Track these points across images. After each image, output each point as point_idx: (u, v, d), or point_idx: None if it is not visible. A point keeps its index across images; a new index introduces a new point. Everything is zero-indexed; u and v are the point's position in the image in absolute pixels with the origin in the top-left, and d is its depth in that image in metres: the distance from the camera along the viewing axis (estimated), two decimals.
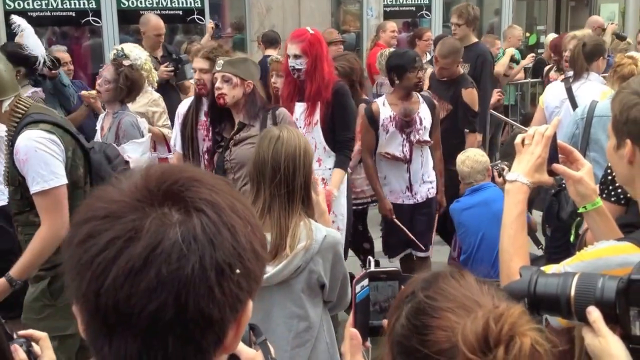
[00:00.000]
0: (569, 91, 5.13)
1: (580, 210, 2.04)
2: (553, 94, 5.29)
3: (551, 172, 2.00)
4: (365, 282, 1.60)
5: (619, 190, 3.19)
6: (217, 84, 4.17)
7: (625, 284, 1.40)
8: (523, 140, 2.00)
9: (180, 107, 4.92)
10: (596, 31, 8.84)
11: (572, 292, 1.46)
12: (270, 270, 2.81)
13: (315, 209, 2.97)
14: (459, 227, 4.81)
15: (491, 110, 7.42)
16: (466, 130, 5.87)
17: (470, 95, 5.88)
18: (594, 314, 1.41)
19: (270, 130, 3.01)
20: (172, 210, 0.94)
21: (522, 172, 1.97)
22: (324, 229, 2.90)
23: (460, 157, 4.88)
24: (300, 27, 9.82)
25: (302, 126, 4.58)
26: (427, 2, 12.45)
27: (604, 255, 1.74)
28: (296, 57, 4.52)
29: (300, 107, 4.65)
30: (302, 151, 2.86)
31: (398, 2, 12.20)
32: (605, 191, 3.20)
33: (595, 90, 4.93)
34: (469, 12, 7.07)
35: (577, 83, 5.14)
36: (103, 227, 0.93)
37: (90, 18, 9.50)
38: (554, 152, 2.00)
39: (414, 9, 12.40)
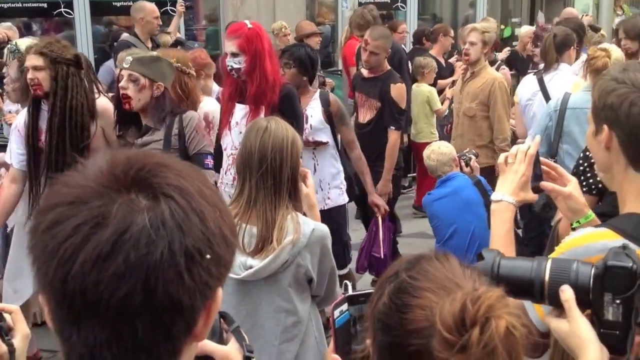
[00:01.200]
0: (541, 82, 5.17)
1: (574, 225, 2.04)
2: (526, 87, 5.34)
3: (536, 190, 2.01)
4: (345, 306, 1.56)
5: (591, 181, 3.20)
6: (122, 83, 3.78)
7: (602, 269, 1.41)
8: (506, 159, 2.01)
9: (19, 117, 4.26)
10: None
11: (547, 277, 1.47)
12: (257, 264, 2.77)
13: (304, 202, 2.93)
14: (431, 218, 4.81)
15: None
16: (391, 128, 5.45)
17: (398, 90, 5.48)
18: (566, 292, 1.43)
19: (257, 121, 2.97)
20: (140, 196, 0.94)
21: (507, 192, 1.98)
22: (311, 223, 2.86)
23: (426, 152, 4.89)
24: (275, 19, 9.89)
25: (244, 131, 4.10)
26: None
27: (584, 242, 1.74)
28: (234, 55, 4.04)
29: (241, 110, 4.19)
30: (289, 143, 2.82)
31: None
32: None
33: (567, 82, 4.96)
34: (365, 19, 6.83)
35: (549, 75, 5.18)
36: (70, 212, 0.92)
37: (62, 9, 9.39)
38: (538, 170, 2.02)
39: (389, 1, 12.38)
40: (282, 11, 10.70)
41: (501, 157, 2.04)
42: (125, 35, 6.89)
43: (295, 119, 4.04)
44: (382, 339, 1.27)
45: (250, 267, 2.78)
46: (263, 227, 2.77)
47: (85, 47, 9.32)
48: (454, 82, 7.35)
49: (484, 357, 1.14)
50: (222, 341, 1.38)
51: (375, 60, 5.48)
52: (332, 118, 4.71)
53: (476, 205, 4.54)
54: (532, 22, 13.36)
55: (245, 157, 2.83)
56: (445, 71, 8.28)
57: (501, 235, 1.98)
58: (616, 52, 4.36)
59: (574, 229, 1.98)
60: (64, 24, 9.73)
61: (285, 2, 10.95)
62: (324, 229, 2.92)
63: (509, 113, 5.72)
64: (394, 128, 5.46)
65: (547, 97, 5.03)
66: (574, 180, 2.06)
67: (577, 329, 1.42)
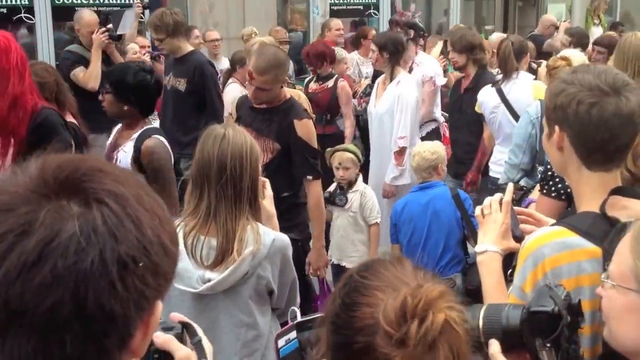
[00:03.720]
0: (500, 93, 5.22)
1: None
2: (487, 99, 5.36)
3: (518, 239, 2.00)
4: (293, 334, 1.56)
5: (560, 186, 3.14)
6: None
7: (526, 315, 1.46)
8: (482, 211, 2.05)
9: None
10: (549, 29, 8.82)
11: (480, 323, 1.51)
12: (216, 276, 2.69)
13: (263, 212, 2.84)
14: (393, 216, 4.78)
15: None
16: (308, 177, 4.13)
17: (306, 128, 4.13)
18: (492, 346, 1.47)
19: (213, 128, 2.82)
20: (70, 202, 0.90)
21: (490, 242, 1.99)
22: (272, 233, 2.80)
23: (413, 150, 4.91)
24: (245, 25, 9.71)
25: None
26: (375, 0, 12.32)
27: (543, 243, 1.78)
28: None
29: None
30: (248, 150, 2.73)
31: (345, 1, 12.05)
32: (546, 187, 3.17)
33: (526, 87, 5.13)
34: (165, 22, 5.53)
35: (508, 84, 5.24)
36: None
37: (22, 15, 9.09)
38: (515, 218, 2.04)
39: (361, 7, 12.27)
40: (252, 17, 10.50)
41: (477, 210, 2.07)
42: (72, 46, 6.53)
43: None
44: (332, 339, 1.30)
45: (209, 281, 2.71)
46: (223, 239, 2.68)
47: (46, 53, 9.05)
48: None
49: (425, 352, 1.17)
50: None
51: (266, 96, 4.13)
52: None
53: (443, 218, 4.55)
54: (505, 29, 13.31)
55: (202, 167, 2.71)
56: None
57: (493, 286, 1.98)
58: (578, 59, 4.32)
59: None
60: (25, 30, 9.40)
61: (256, 8, 10.76)
62: (285, 239, 2.85)
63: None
64: (311, 177, 4.13)
65: (509, 108, 5.11)
66: (551, 222, 2.04)
67: None
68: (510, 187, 2.13)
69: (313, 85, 6.74)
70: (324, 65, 6.61)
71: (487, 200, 2.07)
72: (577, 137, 1.79)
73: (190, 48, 5.87)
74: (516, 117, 4.87)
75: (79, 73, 6.06)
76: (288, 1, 12.22)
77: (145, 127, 3.74)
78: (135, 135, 3.67)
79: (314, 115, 6.06)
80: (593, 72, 1.78)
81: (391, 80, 5.73)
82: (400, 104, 5.58)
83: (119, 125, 3.89)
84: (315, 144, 4.21)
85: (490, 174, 5.28)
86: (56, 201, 0.90)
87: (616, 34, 8.21)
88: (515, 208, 2.09)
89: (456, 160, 5.76)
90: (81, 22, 6.37)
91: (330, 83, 6.62)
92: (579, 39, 7.26)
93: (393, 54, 5.70)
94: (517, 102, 5.11)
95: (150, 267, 0.94)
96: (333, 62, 6.77)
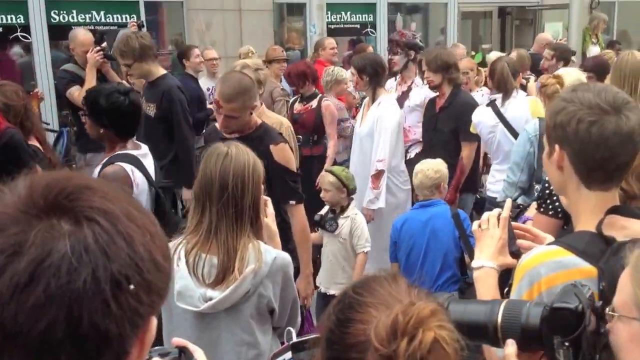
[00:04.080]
0: (499, 114, 5.25)
1: None
2: (484, 119, 5.38)
3: (514, 254, 2.01)
4: (288, 354, 1.60)
5: (557, 204, 3.14)
6: None
7: (548, 312, 1.44)
8: (480, 226, 2.05)
9: None
10: (545, 47, 8.84)
11: (499, 319, 1.50)
12: (217, 295, 2.67)
13: (265, 231, 2.85)
14: (393, 234, 4.75)
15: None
16: (291, 202, 3.98)
17: (283, 152, 3.95)
18: (508, 347, 1.48)
19: (217, 147, 2.83)
20: (61, 221, 0.89)
21: (486, 257, 1.99)
22: (273, 251, 2.79)
23: (417, 167, 4.83)
24: (242, 44, 9.71)
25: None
26: (372, 19, 12.37)
27: (539, 262, 1.78)
28: None
29: None
30: (251, 169, 2.73)
31: (342, 19, 12.09)
32: (543, 205, 3.17)
33: (523, 104, 5.19)
34: (131, 47, 5.28)
35: (504, 103, 5.30)
36: None
37: (18, 34, 9.09)
38: (511, 233, 2.03)
39: (358, 26, 12.30)
40: (249, 36, 10.53)
41: (474, 225, 2.08)
42: (67, 65, 6.51)
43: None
44: (326, 355, 1.30)
45: (210, 299, 2.69)
46: (224, 257, 2.67)
47: (44, 72, 9.05)
48: None
49: None
50: None
51: (235, 124, 3.94)
52: None
53: (441, 236, 4.52)
54: (502, 48, 13.33)
55: (205, 184, 2.71)
56: None
57: None
58: (570, 78, 4.31)
59: None
60: (22, 48, 9.40)
61: (253, 26, 10.78)
62: (286, 257, 2.84)
63: None
64: (294, 202, 3.99)
65: (507, 126, 5.15)
66: (549, 238, 2.07)
67: None
68: (508, 202, 2.12)
69: (297, 106, 6.64)
70: (306, 85, 6.52)
71: (485, 215, 2.07)
72: (577, 156, 1.79)
73: (162, 72, 5.61)
74: (515, 135, 4.89)
75: (74, 92, 6.03)
76: (285, 20, 12.24)
77: (118, 152, 3.67)
78: (105, 160, 3.68)
79: (301, 137, 6.23)
80: (593, 91, 1.78)
81: (373, 102, 5.68)
82: (380, 126, 5.50)
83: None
84: (294, 168, 4.08)
85: (488, 193, 5.26)
86: (46, 220, 0.89)
87: (613, 52, 8.24)
88: (513, 223, 2.08)
89: None
90: (75, 42, 6.34)
91: (314, 103, 6.51)
92: (561, 53, 7.38)
93: (372, 76, 5.62)
94: (515, 120, 5.14)
95: (143, 285, 0.93)
96: (315, 81, 6.68)
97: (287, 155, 3.98)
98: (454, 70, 5.72)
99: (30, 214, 0.90)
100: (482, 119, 5.39)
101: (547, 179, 3.43)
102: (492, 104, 5.37)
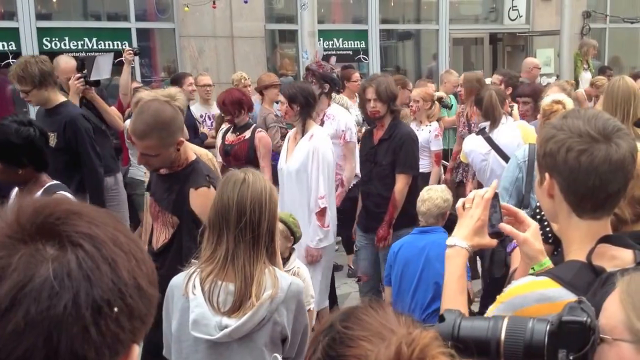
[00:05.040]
0: (490, 141, 5.27)
1: (530, 271, 2.04)
2: (475, 148, 5.39)
3: (495, 235, 2.02)
4: None
5: (547, 229, 3.13)
6: None
7: (556, 325, 1.43)
8: (464, 205, 2.04)
9: None
10: (533, 72, 8.87)
11: (502, 336, 1.49)
12: (233, 323, 2.63)
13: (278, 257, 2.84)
14: (389, 257, 4.73)
15: None
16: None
17: (201, 198, 3.37)
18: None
19: (233, 173, 2.81)
20: (46, 245, 0.89)
21: (461, 237, 2.00)
22: (288, 277, 2.79)
23: (423, 194, 4.71)
24: (235, 70, 9.72)
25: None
26: (364, 46, 12.42)
27: (522, 292, 1.78)
28: None
29: None
30: (267, 195, 2.73)
31: (335, 46, 12.13)
32: None
33: (512, 129, 5.23)
34: (30, 73, 4.96)
35: (494, 130, 5.33)
36: None
37: (10, 60, 9.07)
38: (498, 214, 2.02)
39: (351, 52, 12.36)
40: (241, 62, 10.55)
41: (459, 202, 2.07)
42: None
43: None
44: None
45: (226, 327, 2.64)
46: (242, 284, 2.66)
47: None
48: None
49: None
50: None
51: (156, 162, 3.45)
52: None
53: (436, 265, 4.40)
54: (494, 73, 13.37)
55: (221, 211, 2.70)
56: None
57: (453, 280, 2.01)
58: (571, 103, 4.34)
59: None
60: None
61: (245, 53, 10.81)
62: (300, 283, 2.84)
63: None
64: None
65: (500, 153, 5.16)
66: (533, 226, 2.04)
67: None
68: (494, 183, 2.12)
69: (230, 137, 6.14)
70: (242, 114, 6.08)
71: (472, 193, 2.06)
72: (567, 184, 1.77)
73: (61, 99, 5.28)
74: (508, 160, 4.87)
75: None
76: (277, 46, 12.29)
77: (48, 184, 3.49)
78: (39, 194, 3.42)
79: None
80: (583, 118, 1.76)
81: (303, 134, 5.25)
82: (316, 160, 5.10)
83: (15, 190, 3.55)
84: (204, 218, 3.33)
85: None
86: (32, 244, 0.89)
87: (604, 78, 8.27)
88: (503, 205, 2.06)
89: (367, 213, 5.48)
90: (58, 69, 6.13)
91: (248, 134, 6.01)
92: (509, 79, 7.52)
93: (304, 106, 5.22)
94: (507, 146, 5.16)
95: (125, 311, 0.92)
96: (251, 109, 6.30)
97: (204, 202, 3.26)
98: (397, 101, 5.52)
99: (16, 238, 0.89)
100: (473, 148, 5.38)
101: (537, 204, 3.44)
102: (482, 131, 5.38)
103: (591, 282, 1.68)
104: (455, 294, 2.00)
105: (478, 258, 4.92)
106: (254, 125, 6.19)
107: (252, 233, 2.67)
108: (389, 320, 1.24)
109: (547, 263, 2.01)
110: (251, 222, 2.67)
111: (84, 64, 6.41)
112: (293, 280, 2.78)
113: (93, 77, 6.13)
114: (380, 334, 1.21)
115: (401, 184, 5.23)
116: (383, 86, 5.26)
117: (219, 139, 6.29)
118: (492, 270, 3.86)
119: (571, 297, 1.66)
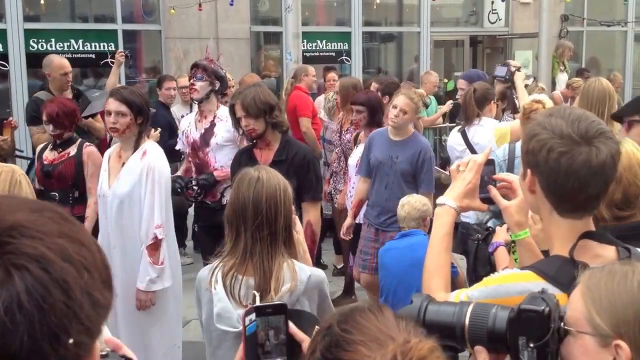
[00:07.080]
0: (464, 136, 5.34)
1: (512, 237, 2.17)
2: (453, 144, 5.50)
3: (486, 200, 2.10)
4: (253, 316, 1.62)
5: None
6: None
7: (516, 313, 1.46)
8: (458, 167, 2.11)
9: None
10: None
11: (467, 321, 1.53)
12: None
13: (297, 248, 2.90)
14: (381, 268, 4.79)
15: None
16: None
17: None
18: (480, 354, 1.51)
19: (247, 172, 2.87)
20: None
21: (451, 197, 2.07)
22: (307, 269, 2.83)
23: (402, 200, 4.84)
24: None
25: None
26: (347, 47, 12.56)
27: (506, 282, 1.81)
28: None
29: None
30: (282, 191, 2.78)
31: (318, 47, 12.26)
32: None
33: (488, 132, 5.20)
34: None
35: (472, 129, 5.35)
36: None
37: None
38: (489, 179, 2.10)
39: (333, 54, 12.47)
40: (225, 63, 10.61)
41: (454, 165, 2.14)
42: (39, 93, 6.50)
43: None
44: None
45: None
46: (260, 279, 2.72)
47: (20, 100, 9.06)
48: None
49: None
50: None
51: None
52: None
53: (420, 266, 4.41)
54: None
55: (238, 209, 2.76)
56: None
57: (439, 237, 2.09)
58: (550, 104, 4.44)
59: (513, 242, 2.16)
60: None
61: (229, 54, 10.89)
62: (321, 274, 2.89)
63: None
64: None
65: (472, 151, 5.18)
66: (519, 198, 2.07)
67: None
68: (487, 149, 2.17)
69: (49, 155, 5.03)
70: (72, 127, 5.07)
71: (467, 157, 2.12)
72: (548, 184, 1.78)
73: None
74: None
75: (34, 132, 6.07)
76: (262, 47, 12.39)
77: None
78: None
79: (57, 194, 4.90)
80: (567, 119, 1.76)
81: (134, 151, 4.27)
82: (151, 182, 4.17)
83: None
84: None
85: (462, 218, 5.35)
86: None
87: (581, 80, 8.44)
88: (499, 175, 2.15)
89: None
90: (52, 66, 6.37)
91: (73, 149, 5.00)
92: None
93: (146, 118, 4.29)
94: (480, 147, 5.15)
95: (83, 331, 0.88)
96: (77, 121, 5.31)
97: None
98: (278, 112, 4.51)
99: None
100: (452, 144, 5.49)
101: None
102: (462, 129, 5.47)
103: (574, 277, 1.65)
104: (439, 251, 2.09)
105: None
106: (81, 139, 5.14)
107: (270, 229, 2.74)
108: (388, 325, 1.23)
109: (523, 235, 2.10)
110: (268, 219, 2.74)
111: (80, 94, 6.51)
112: (313, 272, 2.84)
113: (85, 114, 6.24)
114: (378, 339, 1.19)
115: (314, 213, 4.46)
116: (249, 99, 4.39)
117: (35, 159, 5.23)
118: (476, 267, 3.95)
119: (554, 292, 1.67)
